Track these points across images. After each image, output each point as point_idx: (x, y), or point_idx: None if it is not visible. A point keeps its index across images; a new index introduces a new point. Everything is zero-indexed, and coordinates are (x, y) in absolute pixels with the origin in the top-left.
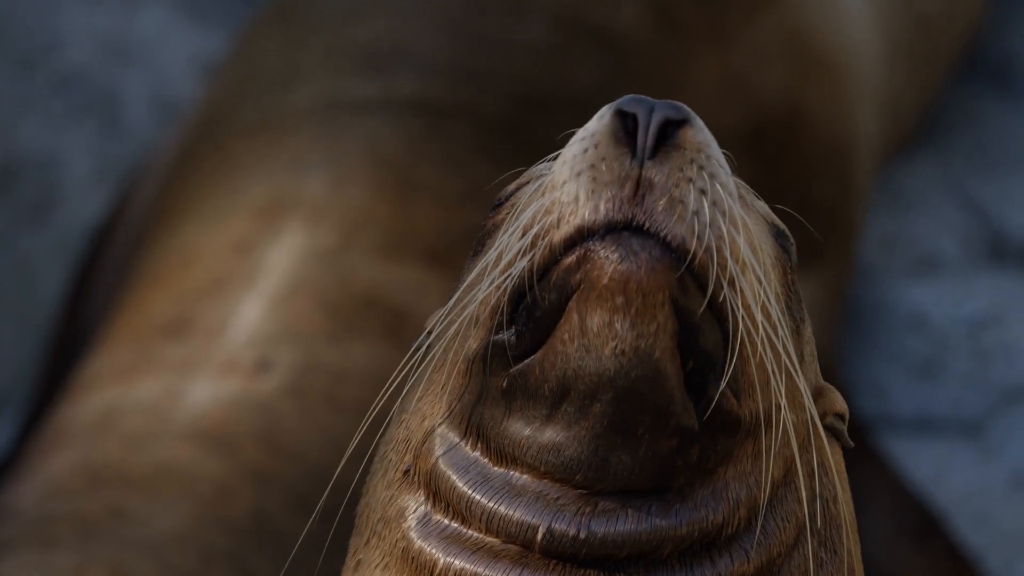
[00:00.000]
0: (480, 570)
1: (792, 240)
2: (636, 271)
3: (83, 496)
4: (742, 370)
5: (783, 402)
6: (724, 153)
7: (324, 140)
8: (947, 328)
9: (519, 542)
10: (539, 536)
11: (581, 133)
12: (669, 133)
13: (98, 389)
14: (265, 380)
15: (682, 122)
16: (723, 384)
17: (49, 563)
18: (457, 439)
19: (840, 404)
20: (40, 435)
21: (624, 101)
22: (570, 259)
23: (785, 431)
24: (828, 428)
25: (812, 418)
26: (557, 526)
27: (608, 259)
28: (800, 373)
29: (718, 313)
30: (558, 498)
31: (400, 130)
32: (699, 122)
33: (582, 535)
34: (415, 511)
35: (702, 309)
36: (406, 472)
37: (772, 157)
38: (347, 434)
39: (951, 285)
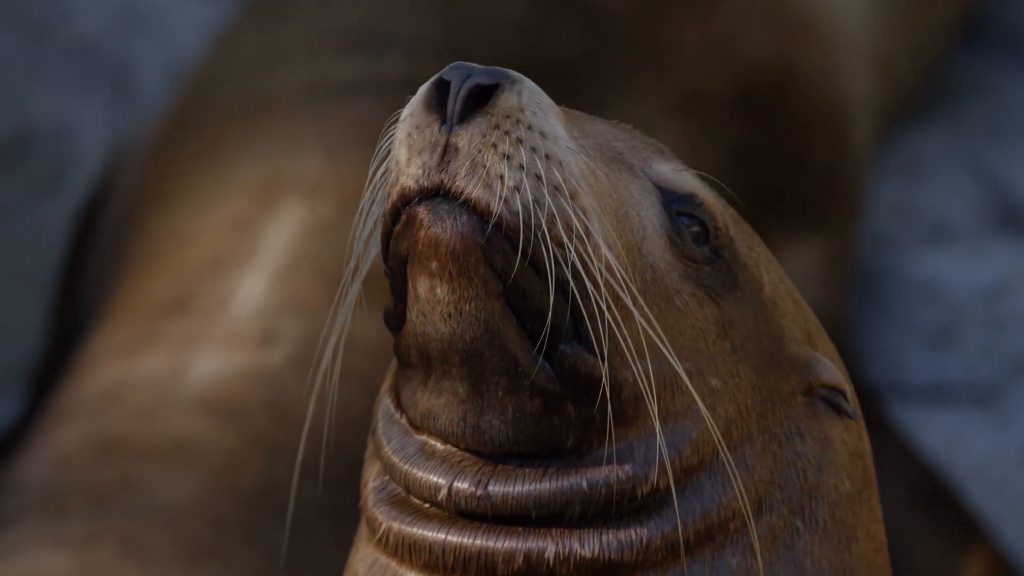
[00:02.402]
0: (414, 530)
1: (699, 205)
2: (444, 235)
3: (93, 468)
4: (592, 330)
5: (637, 367)
6: (567, 111)
7: (315, 120)
8: (960, 297)
9: (433, 503)
10: (441, 495)
11: (411, 101)
12: (485, 99)
13: (103, 366)
14: (271, 352)
15: (494, 87)
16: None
17: (60, 532)
18: (392, 409)
19: (830, 376)
20: (46, 411)
21: (446, 68)
22: (398, 227)
23: (690, 392)
24: (823, 400)
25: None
26: (458, 485)
27: (421, 224)
28: (665, 340)
29: (551, 274)
30: (461, 460)
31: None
32: (520, 86)
33: (479, 493)
34: (374, 478)
35: (516, 269)
36: (372, 431)
37: (763, 120)
38: (353, 403)
39: (964, 254)
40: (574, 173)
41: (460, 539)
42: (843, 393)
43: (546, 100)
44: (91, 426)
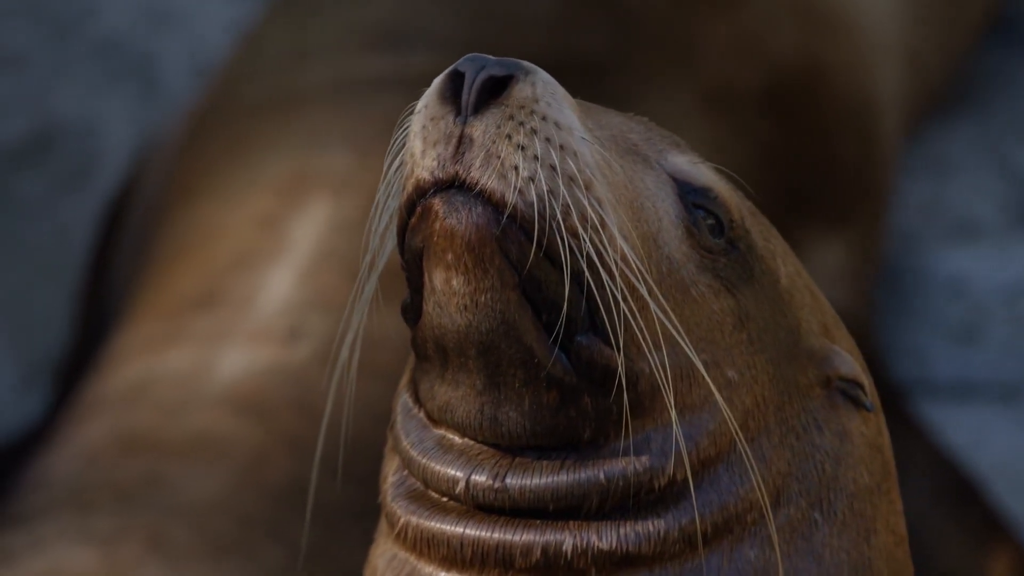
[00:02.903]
0: (432, 524)
1: (714, 198)
2: (459, 227)
3: (119, 464)
4: (608, 321)
5: (653, 358)
6: (579, 102)
7: (342, 116)
8: (986, 293)
9: (451, 496)
10: (459, 488)
11: (425, 93)
12: (499, 90)
13: (129, 361)
14: (297, 348)
15: (508, 78)
16: (587, 337)
17: (86, 528)
18: (411, 403)
19: (848, 368)
20: (73, 406)
21: (460, 60)
22: (413, 219)
23: (708, 384)
24: (841, 393)
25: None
26: (476, 478)
27: (437, 216)
28: (681, 331)
29: (566, 265)
30: (479, 454)
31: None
32: (534, 77)
33: (497, 485)
34: (393, 473)
35: (531, 260)
36: (391, 426)
37: (791, 117)
38: (381, 399)
39: (990, 251)
40: (588, 163)
41: (478, 532)
42: (861, 386)
43: (560, 91)
44: (117, 422)
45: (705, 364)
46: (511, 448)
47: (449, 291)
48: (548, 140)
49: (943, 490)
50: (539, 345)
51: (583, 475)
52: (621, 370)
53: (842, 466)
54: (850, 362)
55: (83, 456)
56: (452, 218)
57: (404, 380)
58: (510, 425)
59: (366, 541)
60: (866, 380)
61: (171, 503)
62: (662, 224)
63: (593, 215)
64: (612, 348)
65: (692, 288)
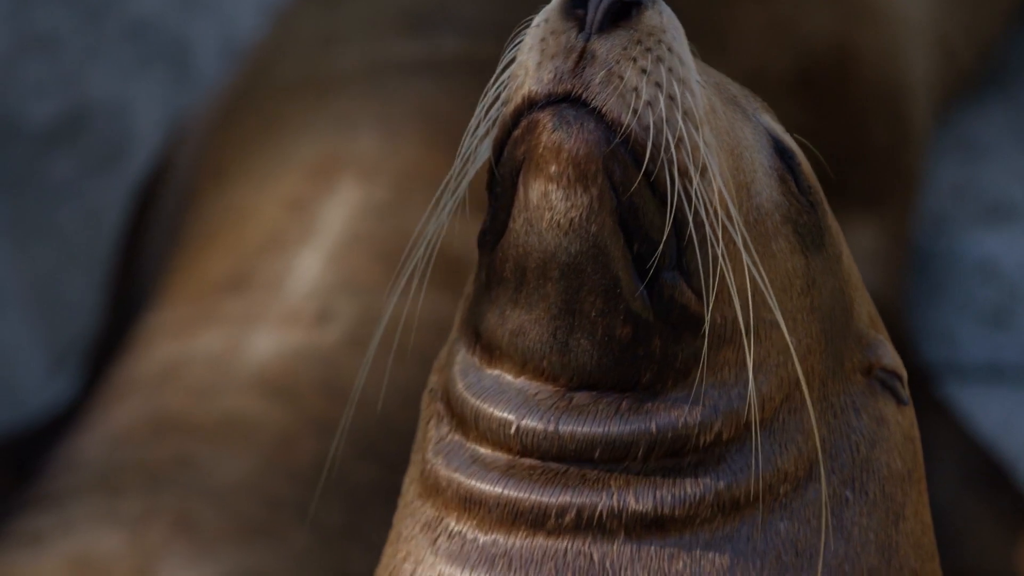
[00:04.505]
0: (473, 482)
1: (799, 164)
2: (568, 140)
3: (148, 445)
4: (702, 265)
5: (737, 310)
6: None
7: (372, 100)
8: (1018, 276)
9: (501, 443)
10: (512, 430)
11: (545, 8)
12: (627, 14)
13: (160, 343)
14: (326, 331)
15: (639, 4)
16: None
17: (115, 509)
18: (463, 347)
19: (889, 359)
20: (103, 388)
21: None
22: (517, 131)
23: (769, 344)
24: (879, 382)
25: (793, 347)
26: (527, 423)
27: (545, 128)
28: (769, 288)
29: (665, 198)
30: (536, 394)
31: (448, 88)
32: (662, 7)
33: (550, 429)
34: (432, 429)
35: (636, 184)
36: (431, 391)
37: (824, 102)
38: (409, 381)
39: (1021, 233)
40: (701, 105)
41: (516, 493)
42: (901, 379)
43: (681, 28)
44: (147, 404)
45: (772, 324)
46: (569, 385)
47: (544, 205)
48: (671, 71)
49: (973, 474)
50: (625, 275)
51: (635, 424)
52: (707, 315)
53: (876, 450)
54: (894, 354)
55: (112, 438)
56: (562, 131)
57: (456, 326)
58: (579, 352)
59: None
60: (904, 374)
61: (199, 485)
62: (756, 175)
63: (703, 155)
64: (694, 292)
65: (773, 241)
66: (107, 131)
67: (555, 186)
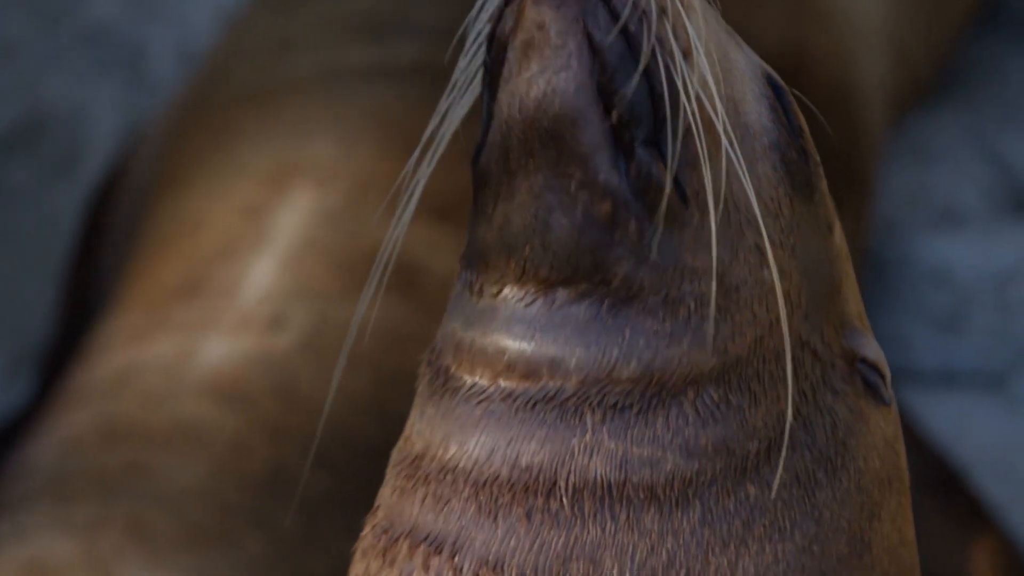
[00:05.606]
0: (452, 430)
1: (791, 100)
2: (550, 4)
3: (101, 452)
4: (672, 138)
5: (707, 183)
6: None
7: (327, 106)
8: (971, 282)
9: (489, 368)
10: (504, 359)
11: None
12: None
13: (113, 350)
14: (279, 337)
15: None
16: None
17: (67, 517)
18: (459, 284)
19: (872, 353)
20: (57, 394)
21: None
22: (507, 8)
23: (746, 269)
24: (861, 378)
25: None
26: (512, 343)
27: (528, 1)
28: (750, 181)
29: (646, 71)
30: (521, 299)
31: (404, 94)
32: None
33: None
34: (424, 386)
35: (612, 37)
36: (431, 351)
37: None
38: (362, 388)
39: (974, 239)
40: (695, 5)
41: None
42: (883, 375)
43: None
44: (100, 411)
45: (755, 245)
46: (550, 280)
47: (525, 65)
48: None
49: (926, 478)
50: (605, 143)
51: (611, 326)
52: (669, 182)
53: (853, 439)
54: (878, 349)
55: (66, 445)
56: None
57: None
58: (560, 232)
59: (349, 530)
60: (887, 373)
61: (152, 492)
62: (746, 96)
63: (689, 33)
64: (667, 168)
65: (758, 163)
66: (64, 137)
67: (535, 47)
